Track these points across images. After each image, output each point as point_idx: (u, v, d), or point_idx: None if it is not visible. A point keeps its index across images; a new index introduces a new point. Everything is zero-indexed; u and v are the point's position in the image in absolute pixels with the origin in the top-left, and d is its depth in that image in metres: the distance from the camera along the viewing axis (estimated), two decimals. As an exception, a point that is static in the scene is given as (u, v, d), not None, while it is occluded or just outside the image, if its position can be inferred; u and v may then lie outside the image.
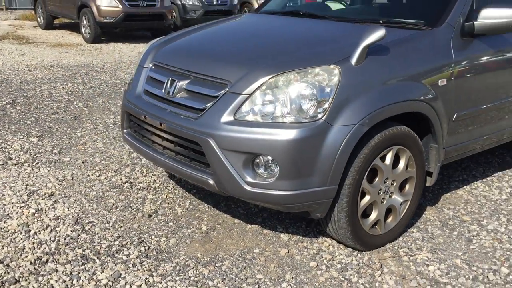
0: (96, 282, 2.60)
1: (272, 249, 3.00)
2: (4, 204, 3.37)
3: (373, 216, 2.96)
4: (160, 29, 11.55)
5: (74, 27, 12.90)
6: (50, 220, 3.20)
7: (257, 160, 2.65)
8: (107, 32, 11.37)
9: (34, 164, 4.10)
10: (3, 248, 2.85)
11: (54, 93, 6.50)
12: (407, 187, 3.11)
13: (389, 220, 3.07)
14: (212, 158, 2.69)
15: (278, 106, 2.64)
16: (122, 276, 2.66)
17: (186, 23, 13.30)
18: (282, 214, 3.41)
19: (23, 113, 5.52)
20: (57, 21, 13.47)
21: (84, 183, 3.78)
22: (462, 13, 3.19)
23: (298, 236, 3.14)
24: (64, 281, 2.59)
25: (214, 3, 13.28)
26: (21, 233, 3.03)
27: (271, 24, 3.68)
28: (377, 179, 2.90)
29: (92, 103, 6.06)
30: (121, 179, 3.86)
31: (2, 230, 3.05)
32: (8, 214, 3.25)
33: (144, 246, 2.96)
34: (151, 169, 4.08)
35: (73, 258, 2.79)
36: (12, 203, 3.39)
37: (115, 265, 2.76)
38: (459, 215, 3.50)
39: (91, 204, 3.45)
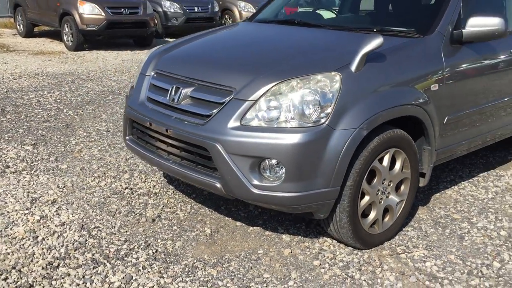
0: (109, 285, 2.67)
1: (275, 250, 3.11)
2: (8, 212, 3.41)
3: (372, 215, 3.09)
4: (142, 37, 11.60)
5: (55, 35, 12.84)
6: (56, 226, 3.25)
7: (264, 164, 2.76)
8: (89, 39, 11.35)
9: (32, 172, 4.14)
10: (13, 254, 2.90)
11: (43, 101, 6.51)
12: (402, 187, 3.25)
13: (386, 219, 3.21)
14: (219, 162, 2.79)
15: (283, 111, 2.76)
16: (133, 278, 2.74)
17: (167, 30, 13.41)
18: (282, 216, 3.52)
19: (14, 122, 5.53)
20: (36, 29, 13.38)
21: (85, 190, 3.83)
22: (451, 22, 3.37)
23: (299, 237, 3.26)
24: (78, 285, 2.66)
25: (196, 10, 13.37)
26: (29, 239, 3.08)
27: (269, 33, 3.81)
28: (375, 180, 3.04)
29: (82, 111, 6.09)
30: (121, 185, 3.93)
31: (10, 236, 3.10)
32: (14, 221, 3.29)
33: (152, 249, 3.04)
34: (150, 175, 4.15)
35: (84, 262, 2.86)
36: (16, 211, 3.43)
37: (126, 268, 2.83)
38: (449, 214, 3.66)
39: (95, 210, 3.51)
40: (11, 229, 3.19)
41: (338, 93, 2.76)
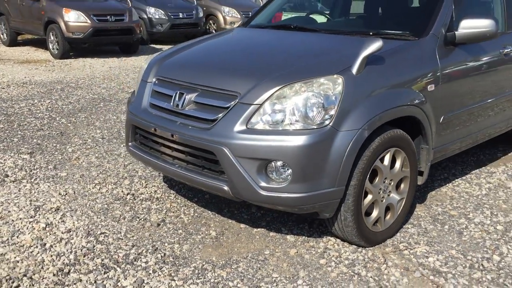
0: (122, 289, 2.71)
1: (281, 250, 3.17)
2: (13, 220, 3.42)
3: (375, 214, 3.17)
4: (128, 44, 11.59)
5: (39, 43, 12.77)
6: (62, 233, 3.27)
7: (270, 166, 2.82)
8: (75, 47, 11.31)
9: (32, 180, 4.14)
10: (23, 262, 2.92)
11: (34, 110, 6.49)
12: (402, 186, 3.34)
13: (387, 217, 3.29)
14: (226, 165, 2.85)
15: (287, 114, 2.82)
16: (145, 282, 2.78)
17: (152, 36, 13.42)
18: (285, 217, 3.58)
19: (7, 131, 5.51)
20: (20, 38, 13.28)
21: (87, 197, 3.85)
22: (444, 24, 3.48)
23: (304, 237, 3.33)
24: (91, 290, 2.69)
25: (180, 16, 13.41)
26: (37, 246, 3.09)
27: (267, 38, 3.88)
28: (377, 179, 3.12)
29: (75, 119, 6.09)
30: (122, 191, 3.96)
31: (17, 245, 3.11)
32: (19, 229, 3.30)
33: (160, 253, 3.08)
34: (150, 180, 4.18)
35: (94, 268, 2.89)
36: (20, 219, 3.44)
37: (136, 272, 2.87)
38: (446, 210, 3.76)
39: (99, 216, 3.53)
40: (17, 237, 3.20)
41: (341, 96, 2.83)
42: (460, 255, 3.15)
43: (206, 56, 3.60)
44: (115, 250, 3.10)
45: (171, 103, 3.19)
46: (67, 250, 3.06)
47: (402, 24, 3.68)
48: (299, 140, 2.74)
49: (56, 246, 3.10)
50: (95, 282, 2.76)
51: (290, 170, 2.78)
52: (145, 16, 12.98)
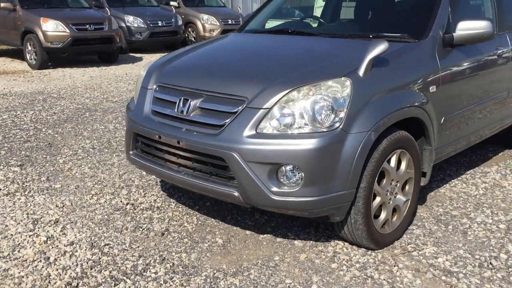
0: (134, 301, 2.63)
1: (290, 255, 3.14)
2: (12, 234, 3.31)
3: (383, 216, 3.17)
4: (108, 53, 11.45)
5: (14, 54, 12.52)
6: (65, 246, 3.18)
7: (281, 170, 2.79)
8: (53, 57, 11.11)
9: (26, 193, 4.02)
10: (28, 277, 2.82)
11: (18, 121, 6.33)
12: (407, 187, 3.35)
13: (394, 219, 3.29)
14: (237, 171, 2.81)
15: (297, 118, 2.80)
16: (157, 292, 2.71)
17: (131, 45, 13.28)
18: (290, 222, 3.56)
19: (-7, 143, 5.36)
20: (-7, 49, 13.02)
21: (86, 208, 3.76)
22: (441, 26, 3.51)
23: (311, 241, 3.30)
24: (102, 303, 2.61)
25: (160, 24, 13.32)
26: (40, 260, 2.99)
27: (267, 42, 3.86)
28: (384, 181, 3.12)
29: (62, 130, 5.96)
30: (121, 201, 3.88)
31: (20, 259, 3.01)
32: (19, 243, 3.20)
33: (168, 263, 3.01)
34: (148, 189, 4.11)
35: (103, 280, 2.81)
36: (19, 233, 3.33)
37: (147, 283, 2.80)
38: (448, 211, 3.79)
39: (101, 228, 3.45)
40: (19, 251, 3.10)
41: (350, 98, 2.83)
42: (468, 254, 3.16)
43: (207, 62, 3.56)
44: (122, 261, 3.02)
45: (175, 110, 3.14)
46: (72, 263, 2.97)
47: (400, 27, 3.70)
48: (311, 143, 2.72)
49: (60, 260, 3.01)
50: (105, 295, 2.68)
51: (301, 174, 2.75)
52: (124, 25, 12.84)
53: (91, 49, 11.14)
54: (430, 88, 3.33)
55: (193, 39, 14.88)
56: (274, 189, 2.79)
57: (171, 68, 3.51)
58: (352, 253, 3.16)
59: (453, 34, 3.51)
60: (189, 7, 15.12)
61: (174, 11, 14.22)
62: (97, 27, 10.91)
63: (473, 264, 3.05)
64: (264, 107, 2.83)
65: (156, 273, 2.91)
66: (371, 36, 3.53)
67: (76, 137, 5.66)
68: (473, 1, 4.34)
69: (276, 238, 3.36)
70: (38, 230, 3.38)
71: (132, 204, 3.83)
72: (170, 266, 2.99)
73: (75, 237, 3.30)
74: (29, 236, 3.29)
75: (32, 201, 3.87)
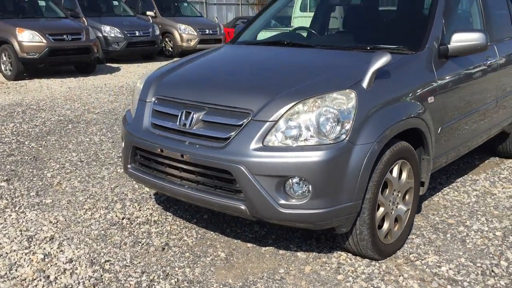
0: (143, 319, 2.57)
1: (295, 268, 3.12)
2: (7, 253, 3.20)
3: (386, 226, 3.19)
4: (86, 63, 11.29)
5: (-13, 65, 12.22)
6: (64, 263, 3.09)
7: (288, 183, 2.78)
8: (29, 68, 10.88)
9: (16, 209, 3.91)
10: (29, 297, 2.73)
11: (-1, 134, 6.17)
12: (407, 197, 3.38)
13: (395, 228, 3.31)
14: (244, 184, 2.78)
15: (304, 130, 2.80)
16: (166, 310, 2.66)
17: (108, 55, 13.12)
18: (290, 234, 3.54)
19: (-25, 158, 5.21)
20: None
21: (81, 223, 3.67)
22: (436, 38, 3.57)
23: (314, 253, 3.29)
24: (110, 322, 2.54)
25: (137, 34, 13.21)
26: (40, 279, 2.90)
27: (266, 54, 3.84)
28: (387, 191, 3.14)
29: (45, 142, 5.83)
30: (116, 216, 3.80)
31: (18, 279, 2.91)
32: (16, 262, 3.10)
33: (173, 279, 2.96)
34: (142, 203, 4.04)
35: (108, 298, 2.74)
36: (15, 251, 3.23)
37: (154, 300, 2.74)
38: (444, 219, 3.83)
39: (98, 243, 3.37)
40: (16, 270, 3.00)
41: (355, 110, 2.84)
42: (470, 262, 3.20)
43: (206, 74, 3.54)
44: (125, 278, 2.96)
45: (177, 123, 3.10)
46: (74, 282, 2.89)
47: (396, 39, 3.75)
48: (318, 156, 2.72)
49: (61, 278, 2.93)
50: (112, 313, 2.61)
51: (309, 186, 2.75)
52: (100, 35, 12.69)
53: (68, 59, 10.97)
54: (429, 98, 3.38)
55: (170, 48, 14.82)
56: (282, 201, 2.78)
57: (170, 81, 3.47)
58: (356, 264, 3.16)
59: (448, 45, 3.57)
60: (166, 17, 15.07)
61: (151, 21, 14.13)
62: (75, 37, 10.76)
63: (475, 272, 3.09)
64: (270, 119, 2.82)
65: (161, 289, 2.85)
66: (368, 48, 3.56)
67: (62, 150, 5.54)
68: (463, 13, 4.43)
69: (279, 250, 3.34)
70: (34, 248, 3.28)
71: (128, 219, 3.76)
72: (175, 281, 2.93)
73: (74, 254, 3.21)
74: (25, 254, 3.19)
75: (24, 217, 3.76)
